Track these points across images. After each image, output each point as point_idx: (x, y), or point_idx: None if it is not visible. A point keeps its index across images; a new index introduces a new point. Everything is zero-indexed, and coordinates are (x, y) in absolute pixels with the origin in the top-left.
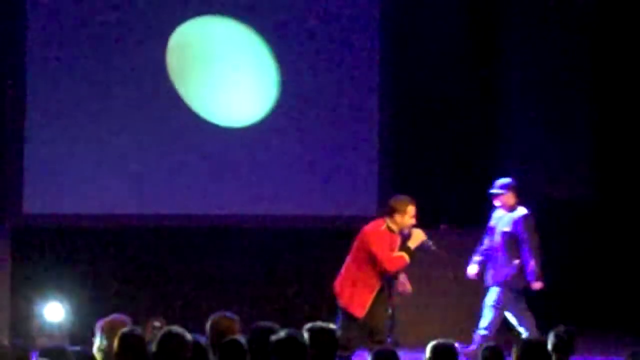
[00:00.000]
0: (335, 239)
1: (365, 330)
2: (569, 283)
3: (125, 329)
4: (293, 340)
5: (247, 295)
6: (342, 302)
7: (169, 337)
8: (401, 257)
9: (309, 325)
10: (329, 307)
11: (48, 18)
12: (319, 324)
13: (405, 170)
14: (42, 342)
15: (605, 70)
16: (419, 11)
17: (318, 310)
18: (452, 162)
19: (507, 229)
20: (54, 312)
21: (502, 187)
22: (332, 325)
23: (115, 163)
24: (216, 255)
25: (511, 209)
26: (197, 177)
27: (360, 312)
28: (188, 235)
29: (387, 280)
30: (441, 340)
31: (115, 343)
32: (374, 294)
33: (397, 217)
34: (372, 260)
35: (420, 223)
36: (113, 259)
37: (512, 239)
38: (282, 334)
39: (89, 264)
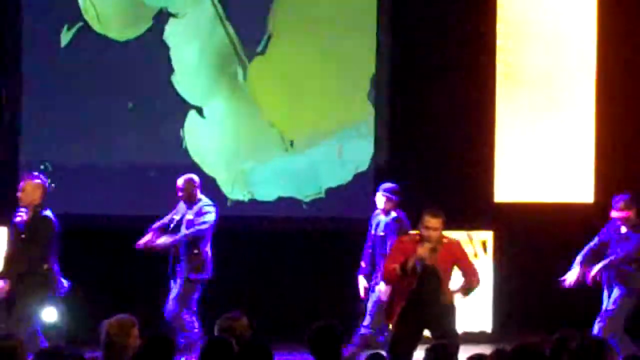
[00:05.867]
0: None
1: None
2: None
3: (153, 333)
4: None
5: (253, 298)
6: None
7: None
8: (390, 268)
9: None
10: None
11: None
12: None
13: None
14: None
15: None
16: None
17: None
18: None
19: None
20: (49, 313)
21: None
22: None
23: (113, 164)
24: (216, 256)
25: None
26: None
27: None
28: None
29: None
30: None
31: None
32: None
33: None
34: None
35: None
36: (108, 260)
37: None
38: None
39: (84, 265)
